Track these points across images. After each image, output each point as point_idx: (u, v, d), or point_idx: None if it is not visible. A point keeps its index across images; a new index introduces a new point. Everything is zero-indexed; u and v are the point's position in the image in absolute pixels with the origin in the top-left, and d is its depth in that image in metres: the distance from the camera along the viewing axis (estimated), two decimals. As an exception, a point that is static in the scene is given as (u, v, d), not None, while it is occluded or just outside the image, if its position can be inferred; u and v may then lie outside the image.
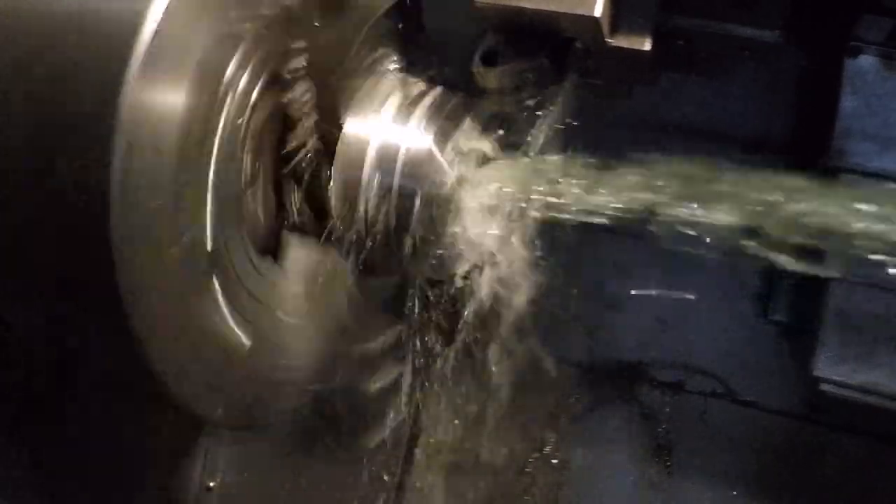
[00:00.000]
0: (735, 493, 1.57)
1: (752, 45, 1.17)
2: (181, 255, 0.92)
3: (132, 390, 1.02)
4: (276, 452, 1.42)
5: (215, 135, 0.94)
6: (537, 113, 1.13)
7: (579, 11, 1.09)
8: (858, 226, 1.01)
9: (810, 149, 1.39)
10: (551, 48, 1.15)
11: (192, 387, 0.99)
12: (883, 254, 1.00)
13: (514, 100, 1.15)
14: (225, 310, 1.00)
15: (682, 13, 1.18)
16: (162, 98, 0.86)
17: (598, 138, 1.09)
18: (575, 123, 1.14)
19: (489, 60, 1.16)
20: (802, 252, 1.11)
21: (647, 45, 1.12)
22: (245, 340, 1.03)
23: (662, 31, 1.14)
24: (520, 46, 1.15)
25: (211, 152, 0.94)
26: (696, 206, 1.01)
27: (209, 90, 0.92)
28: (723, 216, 1.00)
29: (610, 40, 1.13)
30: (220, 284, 0.98)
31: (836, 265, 1.24)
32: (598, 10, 1.08)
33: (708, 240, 1.03)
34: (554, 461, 1.63)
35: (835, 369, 1.28)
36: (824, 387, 1.29)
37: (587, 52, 1.15)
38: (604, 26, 1.10)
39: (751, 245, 1.02)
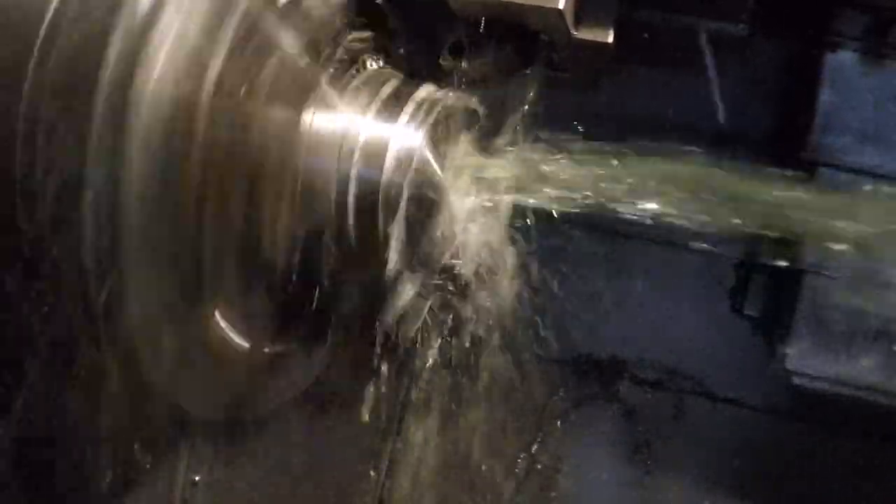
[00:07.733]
0: (714, 491, 1.57)
1: (717, 38, 1.17)
2: (172, 260, 0.90)
3: (118, 386, 0.99)
4: (262, 445, 1.41)
5: (200, 134, 0.90)
6: (511, 105, 1.13)
7: (544, 4, 1.09)
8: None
9: (788, 143, 1.39)
10: (518, 40, 1.16)
11: (183, 389, 0.98)
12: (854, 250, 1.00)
13: (485, 92, 1.14)
14: (219, 316, 0.99)
15: (646, 6, 1.19)
16: (151, 91, 0.84)
17: (567, 130, 1.09)
18: (545, 116, 1.14)
19: (456, 52, 1.16)
20: (777, 245, 1.11)
21: (609, 38, 1.13)
22: (241, 343, 1.03)
23: (627, 24, 1.15)
24: (487, 39, 1.15)
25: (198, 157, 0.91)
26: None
27: (194, 84, 0.89)
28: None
29: (574, 33, 1.13)
30: (214, 288, 0.97)
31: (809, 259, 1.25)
32: (562, 3, 1.09)
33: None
34: (535, 460, 1.63)
35: (807, 362, 1.28)
36: (796, 380, 1.29)
37: (552, 45, 1.16)
38: (568, 19, 1.11)
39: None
